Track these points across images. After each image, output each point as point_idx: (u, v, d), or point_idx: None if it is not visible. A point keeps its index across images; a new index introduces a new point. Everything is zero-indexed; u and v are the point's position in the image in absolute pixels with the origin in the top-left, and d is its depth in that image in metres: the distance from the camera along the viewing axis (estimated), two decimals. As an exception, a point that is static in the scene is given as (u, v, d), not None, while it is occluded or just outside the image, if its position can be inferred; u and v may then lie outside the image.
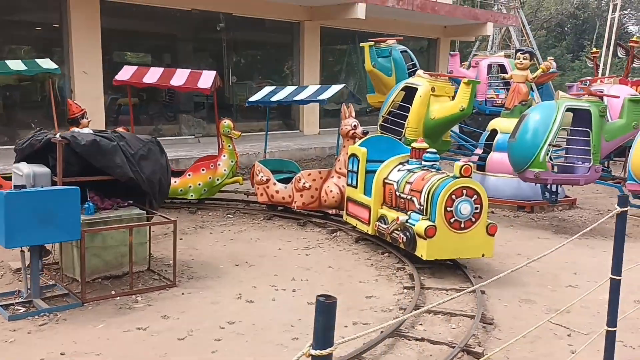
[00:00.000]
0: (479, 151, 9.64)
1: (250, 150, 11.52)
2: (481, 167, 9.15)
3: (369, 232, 6.27)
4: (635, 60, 13.37)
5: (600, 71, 14.74)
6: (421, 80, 8.05)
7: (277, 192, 7.65)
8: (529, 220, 8.31)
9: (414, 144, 6.01)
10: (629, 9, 51.76)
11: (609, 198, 9.89)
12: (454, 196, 5.23)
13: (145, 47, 14.23)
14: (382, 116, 8.38)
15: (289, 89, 8.24)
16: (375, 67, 9.66)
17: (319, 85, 7.79)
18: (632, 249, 5.53)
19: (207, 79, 7.80)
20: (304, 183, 7.33)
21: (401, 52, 10.20)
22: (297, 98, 7.85)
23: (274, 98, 8.10)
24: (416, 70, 10.29)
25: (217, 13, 13.69)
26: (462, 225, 5.29)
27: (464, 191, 5.26)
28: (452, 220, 5.26)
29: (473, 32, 18.27)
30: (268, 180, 7.70)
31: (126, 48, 13.79)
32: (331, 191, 7.21)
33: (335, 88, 7.32)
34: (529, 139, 7.31)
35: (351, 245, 6.65)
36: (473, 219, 5.32)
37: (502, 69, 11.55)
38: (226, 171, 8.02)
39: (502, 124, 9.18)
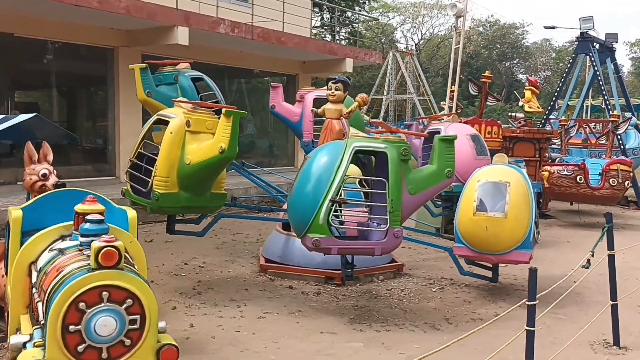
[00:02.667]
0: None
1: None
2: (288, 225, 7.07)
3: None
4: (489, 97, 12.06)
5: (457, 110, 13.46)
6: (176, 112, 5.90)
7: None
8: (329, 300, 6.23)
9: (78, 207, 3.71)
10: (517, 59, 53.98)
11: (447, 260, 8.09)
12: (82, 304, 2.96)
13: None
14: (130, 160, 6.11)
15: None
16: (150, 97, 7.43)
17: (3, 115, 5.43)
18: None
19: None
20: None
21: (194, 79, 8.06)
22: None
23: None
24: (216, 102, 8.24)
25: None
26: (105, 355, 3.02)
27: (105, 294, 3.00)
28: (80, 349, 2.97)
29: (333, 68, 16.64)
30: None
31: None
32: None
33: (20, 118, 4.98)
34: (308, 192, 5.28)
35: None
36: (127, 342, 3.05)
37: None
38: None
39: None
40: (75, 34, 11.89)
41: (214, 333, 5.16)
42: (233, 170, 8.08)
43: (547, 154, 11.85)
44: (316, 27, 37.44)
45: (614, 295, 5.23)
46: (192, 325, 5.31)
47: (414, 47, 46.94)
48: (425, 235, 8.07)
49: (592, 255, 4.87)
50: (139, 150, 6.06)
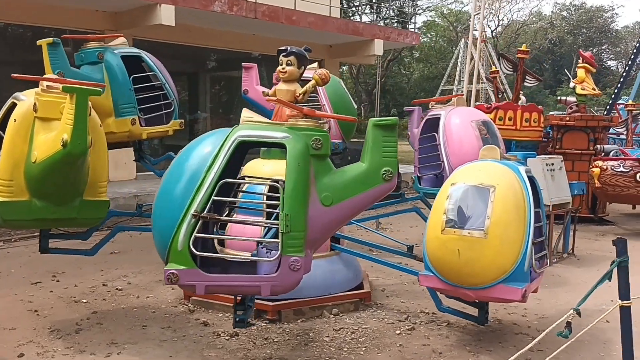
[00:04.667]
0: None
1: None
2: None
3: None
4: (527, 77, 9.91)
5: (504, 95, 11.34)
6: (29, 93, 4.44)
7: None
8: (240, 347, 4.53)
9: None
10: (606, 44, 49.74)
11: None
12: None
13: None
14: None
15: None
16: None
17: None
18: None
19: None
20: None
21: (130, 56, 6.61)
22: None
23: None
24: (158, 86, 6.81)
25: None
26: None
27: None
28: None
29: (361, 52, 14.83)
30: None
31: None
32: None
33: None
34: (169, 203, 3.64)
35: None
36: None
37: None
38: None
39: (259, 169, 5.56)
40: (60, 18, 10.84)
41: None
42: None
43: (598, 146, 9.58)
44: (355, 5, 35.44)
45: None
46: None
47: (489, 34, 43.95)
48: (397, 255, 6.18)
49: (579, 314, 2.99)
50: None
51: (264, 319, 5.12)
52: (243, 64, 8.16)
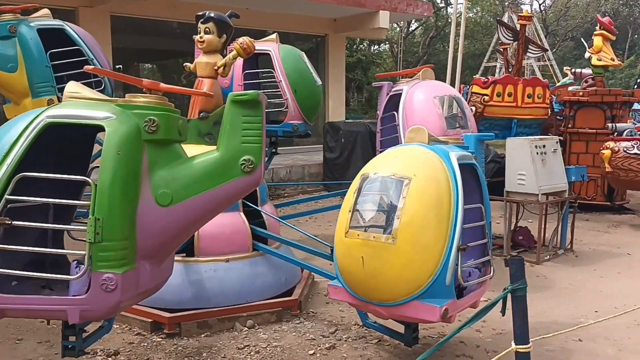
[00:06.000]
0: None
1: None
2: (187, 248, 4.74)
3: None
4: (530, 46, 8.72)
5: (512, 69, 10.09)
6: None
7: None
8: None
9: None
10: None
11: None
12: None
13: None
14: None
15: None
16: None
17: None
18: None
19: None
20: None
21: (50, 29, 5.90)
22: None
23: None
24: (83, 62, 6.06)
25: None
26: None
27: None
28: None
29: (366, 25, 13.78)
30: None
31: None
32: None
33: None
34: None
35: None
36: None
37: (268, 61, 7.17)
38: None
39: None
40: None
41: None
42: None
43: (609, 125, 8.37)
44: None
45: None
46: None
47: (536, 8, 41.72)
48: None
49: None
50: None
51: (162, 334, 4.37)
52: (194, 37, 7.35)
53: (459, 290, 3.56)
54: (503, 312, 2.46)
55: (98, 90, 6.10)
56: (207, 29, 5.01)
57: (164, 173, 2.89)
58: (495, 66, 31.21)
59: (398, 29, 37.19)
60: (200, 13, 5.09)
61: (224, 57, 5.06)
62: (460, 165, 3.62)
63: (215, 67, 4.96)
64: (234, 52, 4.97)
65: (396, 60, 40.12)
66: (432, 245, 3.35)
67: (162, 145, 2.92)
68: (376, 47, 39.29)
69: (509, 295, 2.28)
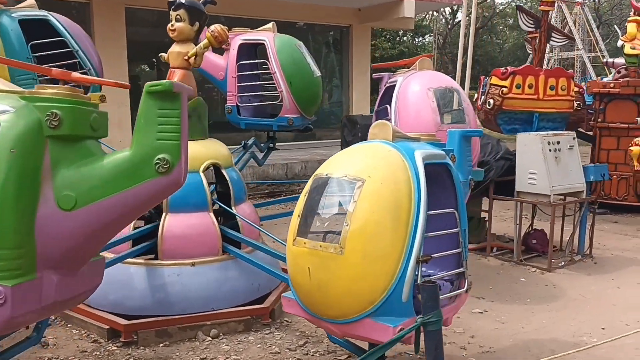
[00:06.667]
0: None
1: None
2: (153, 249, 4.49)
3: None
4: (553, 34, 8.09)
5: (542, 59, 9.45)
6: None
7: None
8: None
9: None
10: None
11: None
12: None
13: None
14: None
15: None
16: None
17: None
18: None
19: None
20: None
21: (34, 20, 5.71)
22: None
23: None
24: (67, 53, 5.84)
25: None
26: None
27: None
28: None
29: (390, 15, 13.28)
30: None
31: None
32: None
33: None
34: None
35: None
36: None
37: (263, 51, 6.80)
38: None
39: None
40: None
41: None
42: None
43: (638, 118, 7.68)
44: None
45: None
46: None
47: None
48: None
49: None
50: None
51: (118, 341, 4.10)
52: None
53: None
54: (416, 349, 2.04)
55: (83, 83, 5.94)
56: (178, 16, 4.69)
57: (69, 173, 2.59)
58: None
59: (443, 20, 36.30)
60: (171, 0, 4.78)
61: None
62: (430, 165, 3.19)
63: (186, 57, 4.64)
64: (205, 40, 4.64)
65: (441, 52, 39.23)
66: (387, 256, 2.94)
67: (68, 141, 2.61)
68: (421, 38, 38.44)
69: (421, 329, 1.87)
